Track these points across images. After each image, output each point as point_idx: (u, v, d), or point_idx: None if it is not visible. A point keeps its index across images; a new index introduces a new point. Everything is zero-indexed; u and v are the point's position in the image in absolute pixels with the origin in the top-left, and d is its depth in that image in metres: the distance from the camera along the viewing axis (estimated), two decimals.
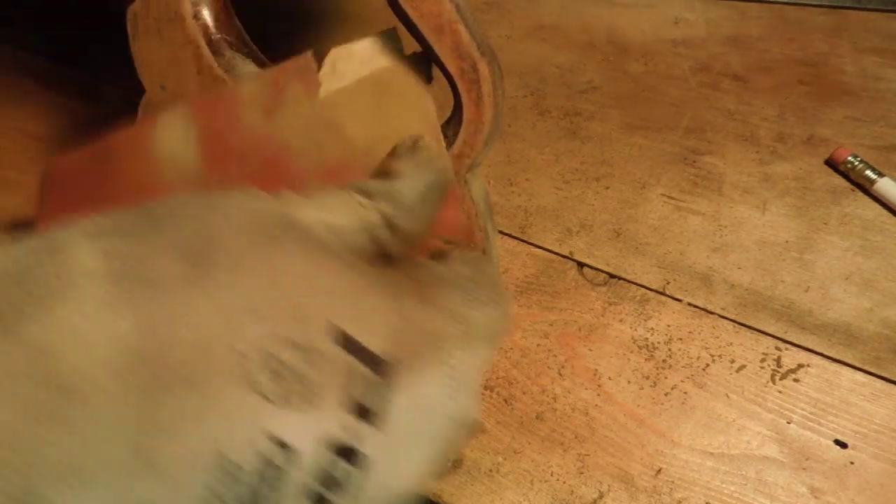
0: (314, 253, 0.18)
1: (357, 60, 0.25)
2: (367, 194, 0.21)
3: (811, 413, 0.32)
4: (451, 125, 0.27)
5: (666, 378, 0.34)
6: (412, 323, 0.19)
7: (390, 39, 0.26)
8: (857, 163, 0.40)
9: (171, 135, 0.25)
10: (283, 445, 0.16)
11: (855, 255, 0.38)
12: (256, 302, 0.16)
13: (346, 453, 0.17)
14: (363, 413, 0.17)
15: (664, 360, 0.34)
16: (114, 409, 0.14)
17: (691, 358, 0.34)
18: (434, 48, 0.25)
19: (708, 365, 0.34)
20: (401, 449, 0.18)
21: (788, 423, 0.32)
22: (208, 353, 0.15)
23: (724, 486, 0.30)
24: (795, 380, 0.33)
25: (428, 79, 0.27)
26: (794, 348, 0.34)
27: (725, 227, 0.40)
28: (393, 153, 0.24)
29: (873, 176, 0.39)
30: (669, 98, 0.47)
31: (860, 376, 0.33)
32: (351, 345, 0.17)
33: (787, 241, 0.39)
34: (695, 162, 0.43)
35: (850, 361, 0.34)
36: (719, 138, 0.44)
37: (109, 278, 0.15)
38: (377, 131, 0.25)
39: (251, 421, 0.15)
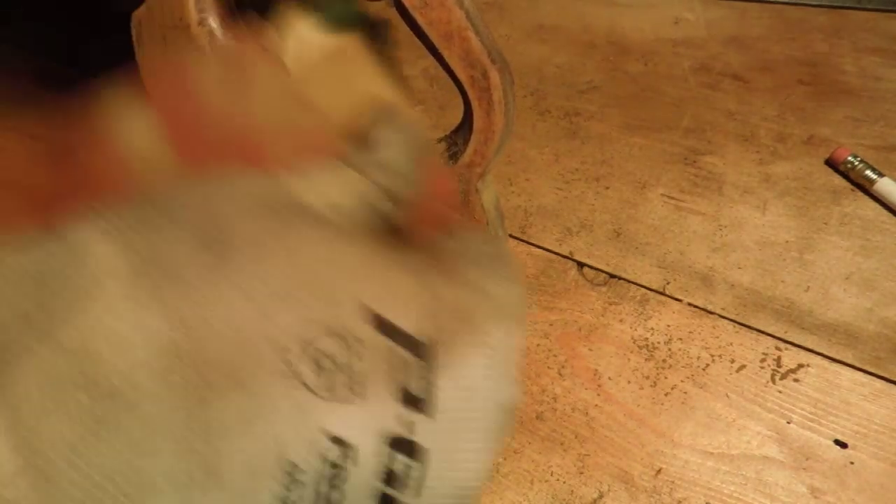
0: (328, 233, 0.17)
1: (318, 29, 0.25)
2: (357, 167, 0.20)
3: (811, 413, 0.32)
4: (461, 133, 0.27)
5: (666, 378, 0.34)
6: (443, 301, 0.18)
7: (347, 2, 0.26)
8: (857, 163, 0.40)
9: (131, 128, 0.24)
10: (341, 443, 0.15)
11: (855, 255, 0.37)
12: (283, 287, 0.16)
13: (402, 445, 0.16)
14: (411, 400, 0.16)
15: (664, 360, 0.34)
16: (162, 413, 0.14)
17: (691, 358, 0.34)
18: (444, 56, 0.25)
19: (708, 365, 0.34)
20: (453, 436, 0.17)
21: (788, 423, 0.32)
22: (247, 347, 0.15)
23: (724, 486, 0.30)
24: (795, 380, 0.33)
25: (385, 41, 0.26)
26: (794, 348, 0.34)
27: (725, 227, 0.40)
28: (369, 121, 0.24)
29: (873, 176, 0.39)
30: (669, 98, 0.47)
31: (860, 376, 0.33)
32: (387, 328, 0.16)
33: (787, 241, 0.39)
34: (695, 162, 0.43)
35: (850, 361, 0.34)
36: (719, 138, 0.44)
37: (132, 275, 0.14)
38: (347, 100, 0.24)
39: (306, 419, 0.15)
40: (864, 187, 0.40)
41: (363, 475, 0.16)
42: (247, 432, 0.14)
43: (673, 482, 0.30)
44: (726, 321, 0.36)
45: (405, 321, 0.17)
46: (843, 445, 0.31)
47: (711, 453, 0.31)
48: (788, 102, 0.46)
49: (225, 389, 0.14)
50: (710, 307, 0.36)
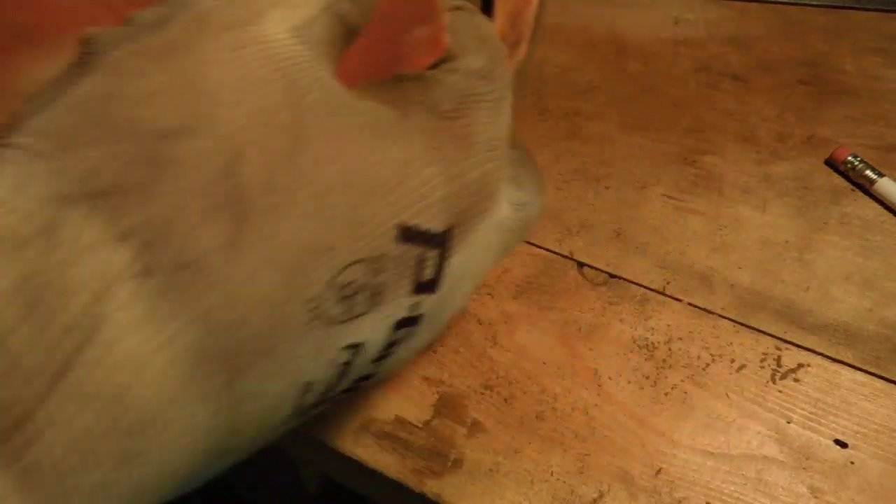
0: (336, 129, 0.15)
1: None
2: None
3: (811, 413, 0.32)
4: None
5: (666, 378, 0.34)
6: (460, 181, 0.18)
7: None
8: (857, 163, 0.40)
9: None
10: (354, 346, 0.16)
11: (855, 255, 0.38)
12: (310, 238, 0.14)
13: (406, 322, 0.18)
14: (423, 288, 0.17)
15: (664, 360, 0.34)
16: (192, 414, 0.14)
17: (691, 358, 0.34)
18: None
19: (708, 364, 0.34)
20: (451, 295, 0.19)
21: (788, 422, 0.32)
22: (276, 310, 0.14)
23: (724, 485, 0.30)
24: (795, 379, 0.33)
25: None
26: (794, 348, 0.34)
27: (725, 227, 0.40)
28: None
29: (873, 176, 0.39)
30: (669, 98, 0.47)
31: (860, 376, 0.33)
32: (411, 235, 0.16)
33: (787, 241, 0.39)
34: (695, 162, 0.43)
35: (850, 361, 0.34)
36: (719, 138, 0.44)
37: (138, 280, 0.12)
38: None
39: (325, 347, 0.16)
40: (864, 187, 0.40)
41: (367, 356, 0.17)
42: (272, 384, 0.15)
43: (673, 482, 0.30)
44: (726, 321, 0.36)
45: (429, 220, 0.17)
46: (844, 445, 0.31)
47: (711, 453, 0.31)
48: (788, 102, 0.46)
49: (255, 361, 0.14)
50: (710, 307, 0.36)
